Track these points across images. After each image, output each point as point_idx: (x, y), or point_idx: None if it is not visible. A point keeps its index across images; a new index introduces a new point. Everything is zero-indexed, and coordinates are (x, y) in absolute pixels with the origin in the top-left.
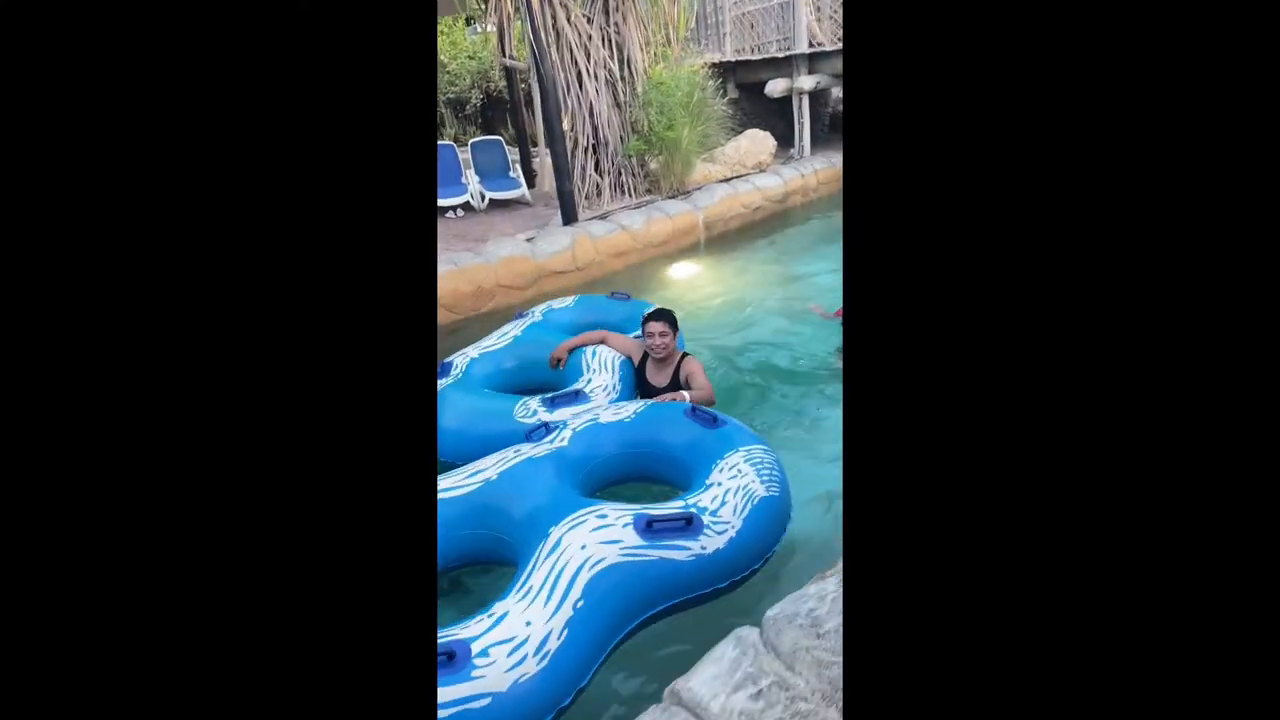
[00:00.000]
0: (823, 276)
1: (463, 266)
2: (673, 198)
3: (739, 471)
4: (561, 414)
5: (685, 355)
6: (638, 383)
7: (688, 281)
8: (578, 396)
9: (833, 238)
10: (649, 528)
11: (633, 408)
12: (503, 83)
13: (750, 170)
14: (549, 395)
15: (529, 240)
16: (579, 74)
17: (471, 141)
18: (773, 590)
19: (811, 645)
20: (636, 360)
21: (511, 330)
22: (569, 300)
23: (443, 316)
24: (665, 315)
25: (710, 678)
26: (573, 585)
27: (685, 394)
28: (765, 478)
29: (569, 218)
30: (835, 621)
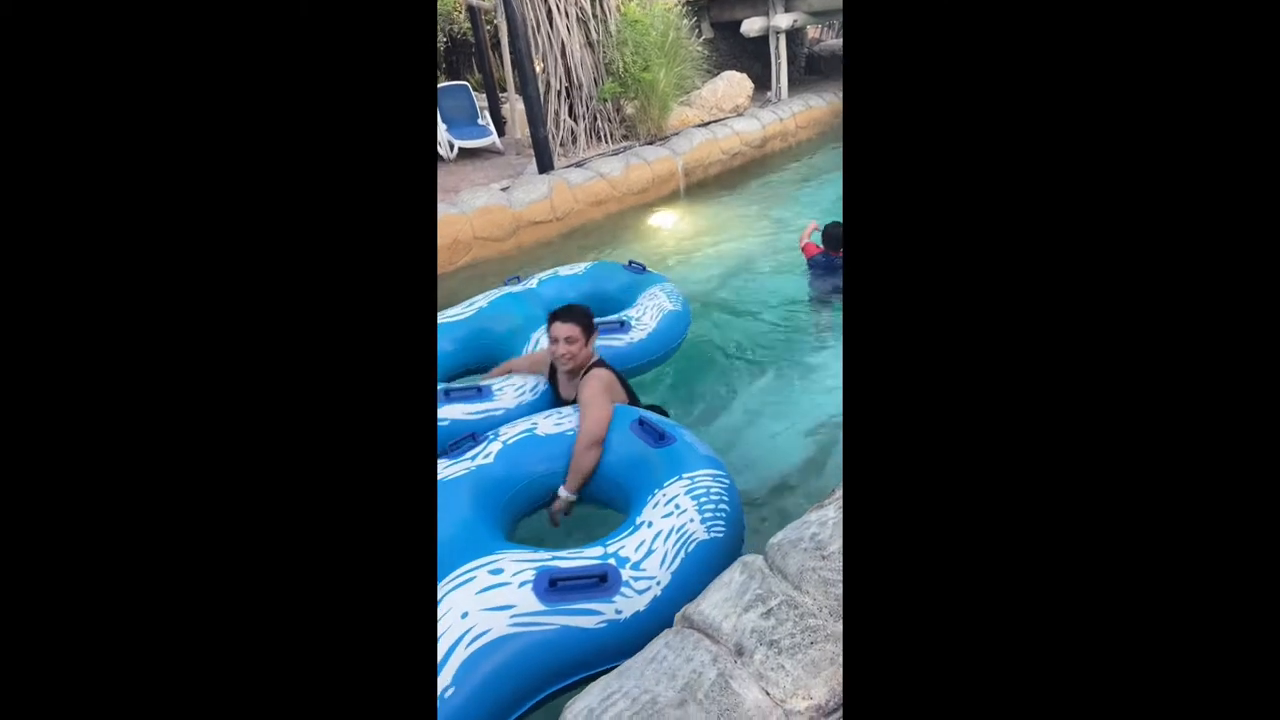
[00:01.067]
0: (804, 220)
1: (438, 218)
2: (650, 143)
3: (677, 507)
4: (483, 408)
5: (594, 366)
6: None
7: (669, 230)
8: (480, 393)
9: (814, 181)
10: (552, 587)
11: (576, 417)
12: (467, 24)
13: (728, 114)
14: (443, 386)
15: (504, 190)
16: (549, 11)
17: (438, 88)
18: (774, 523)
19: (817, 566)
20: (547, 372)
21: (480, 301)
22: (580, 267)
23: None
24: (574, 315)
25: (720, 600)
26: (442, 668)
27: (561, 494)
28: (709, 514)
29: (545, 165)
30: (838, 544)
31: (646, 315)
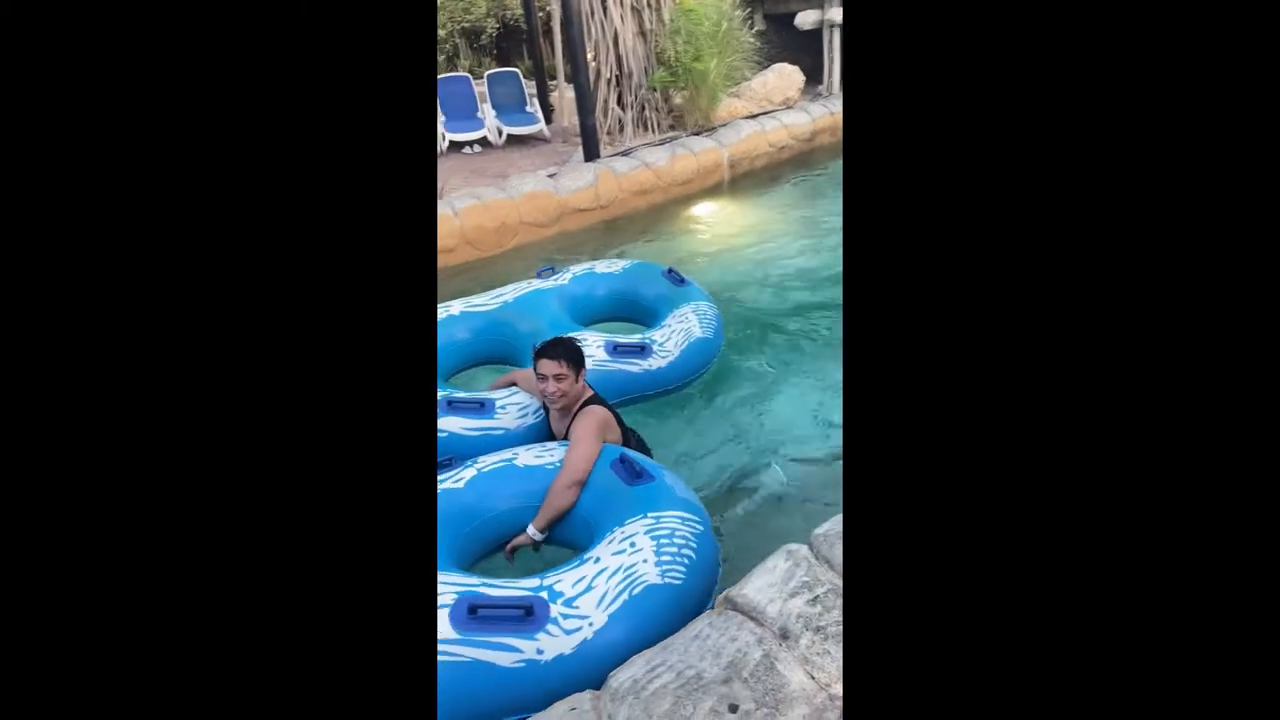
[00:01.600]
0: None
1: (486, 201)
2: (697, 134)
3: (632, 545)
4: (461, 425)
5: (588, 403)
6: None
7: (712, 221)
8: (483, 408)
9: None
10: (471, 615)
11: (561, 453)
12: (520, 11)
13: (777, 106)
14: (445, 394)
15: (551, 176)
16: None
17: (488, 74)
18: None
19: None
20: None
21: (512, 291)
22: (618, 265)
23: (466, 253)
24: (560, 349)
25: (765, 585)
26: None
27: (528, 531)
28: (668, 558)
29: (591, 154)
30: None
31: (671, 340)
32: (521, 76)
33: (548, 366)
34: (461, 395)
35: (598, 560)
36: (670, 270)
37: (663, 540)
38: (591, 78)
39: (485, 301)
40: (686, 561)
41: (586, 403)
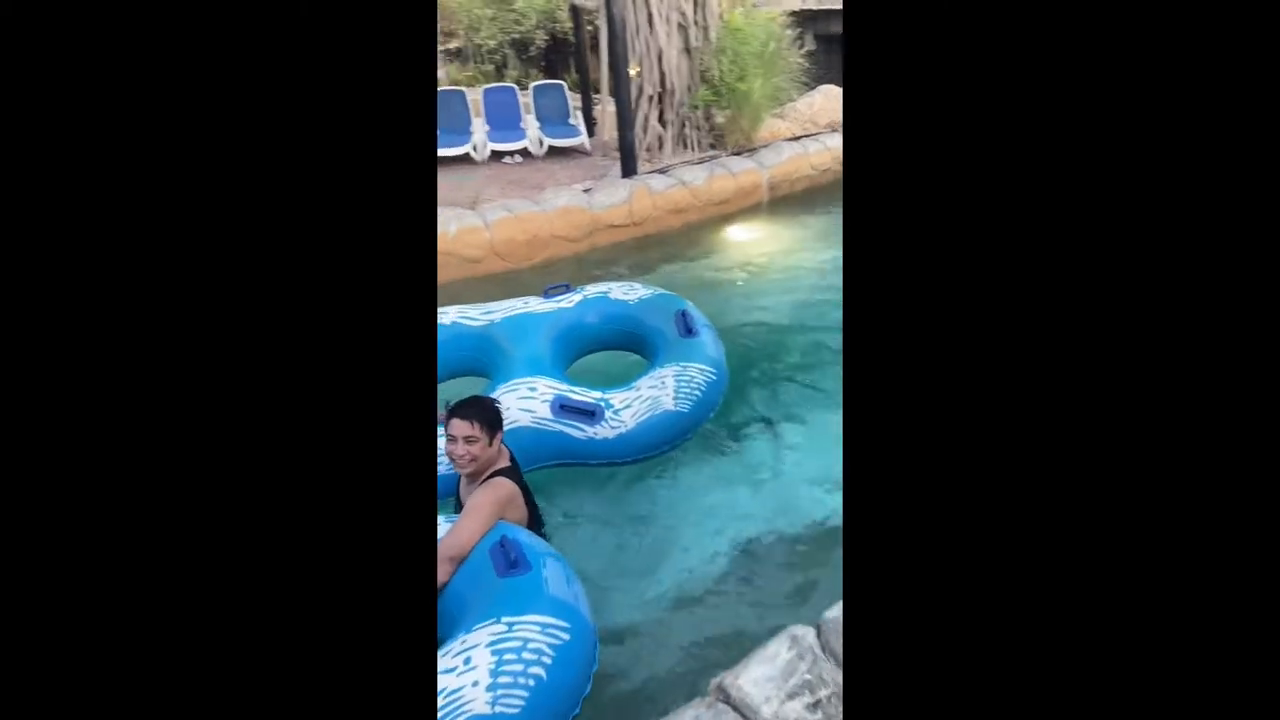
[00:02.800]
0: None
1: (518, 214)
2: (737, 154)
3: (466, 663)
4: None
5: (499, 473)
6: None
7: (746, 244)
8: None
9: None
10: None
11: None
12: (570, 23)
13: (822, 129)
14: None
15: (586, 191)
16: (649, 16)
17: (533, 85)
18: (827, 583)
19: None
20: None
21: (505, 310)
22: (636, 293)
23: (495, 264)
24: (474, 410)
25: (762, 678)
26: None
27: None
28: (506, 680)
29: (628, 169)
30: None
31: (632, 409)
32: (567, 89)
33: (458, 427)
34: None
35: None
36: (684, 313)
37: (507, 657)
38: (634, 93)
39: (476, 316)
40: (529, 686)
41: (498, 472)
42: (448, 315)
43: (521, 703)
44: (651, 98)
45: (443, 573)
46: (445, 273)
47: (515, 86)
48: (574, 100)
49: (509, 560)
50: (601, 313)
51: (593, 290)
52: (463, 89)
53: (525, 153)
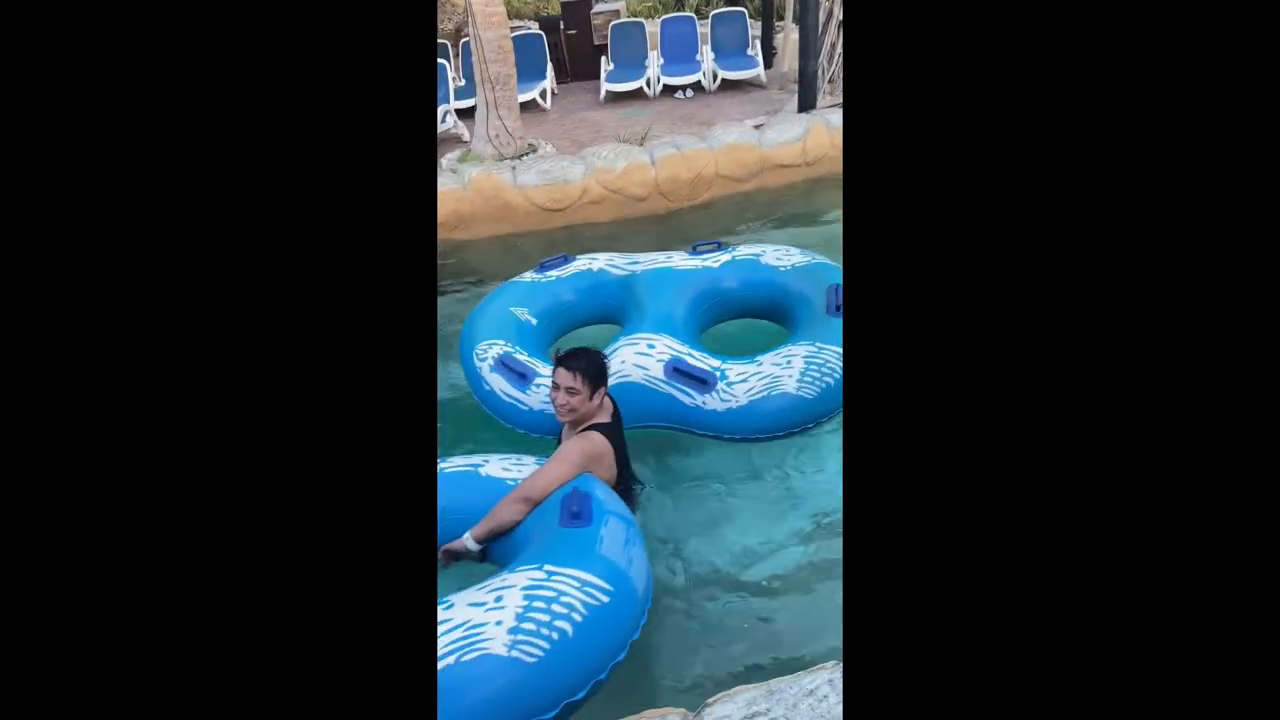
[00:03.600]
0: None
1: (685, 151)
2: None
3: (496, 600)
4: None
5: (596, 427)
6: None
7: None
8: (523, 378)
9: None
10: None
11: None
12: None
13: None
14: (502, 354)
15: (757, 127)
16: None
17: (713, 14)
18: None
19: None
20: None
21: (649, 262)
22: (792, 258)
23: (657, 203)
24: (579, 361)
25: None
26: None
27: (465, 539)
28: (529, 627)
29: (806, 103)
30: None
31: (749, 384)
32: (748, 17)
33: (562, 376)
34: (518, 359)
35: (450, 606)
36: (838, 288)
37: (537, 604)
38: (821, 18)
39: (621, 265)
40: (551, 638)
41: (594, 426)
42: (597, 262)
43: (540, 653)
44: (840, 23)
45: (517, 511)
46: (610, 210)
47: (694, 16)
48: (755, 29)
49: (572, 511)
50: (748, 277)
51: (744, 252)
52: (642, 20)
53: (698, 86)
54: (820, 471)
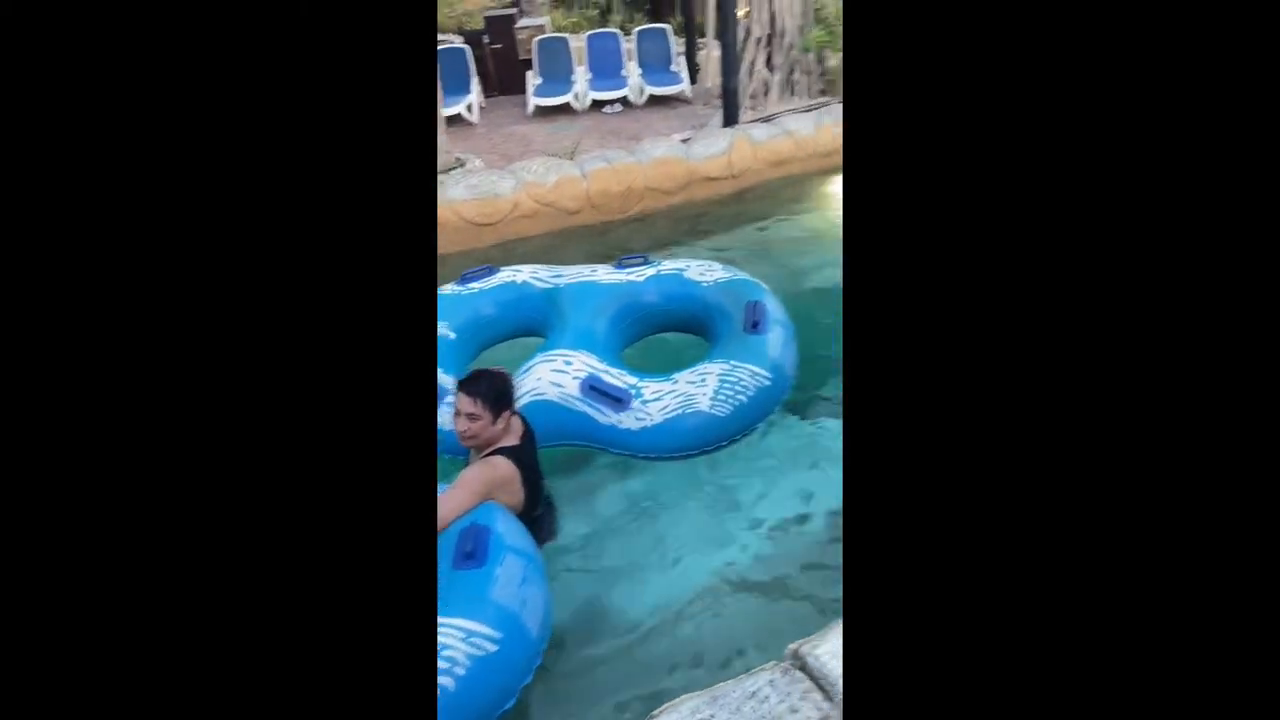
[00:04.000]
0: None
1: (614, 165)
2: None
3: None
4: None
5: (499, 452)
6: None
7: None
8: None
9: None
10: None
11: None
12: None
13: None
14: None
15: (684, 141)
16: None
17: (637, 29)
18: None
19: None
20: None
21: (573, 275)
22: (714, 273)
23: (589, 216)
24: (479, 386)
25: (840, 649)
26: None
27: None
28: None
29: (730, 118)
30: None
31: (663, 402)
32: (671, 33)
33: (462, 402)
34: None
35: None
36: (755, 305)
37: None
38: (741, 36)
39: (546, 278)
40: (445, 688)
41: (500, 450)
42: (521, 274)
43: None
44: (760, 40)
45: None
46: (542, 224)
47: (619, 32)
48: (678, 45)
49: (465, 551)
50: (670, 292)
51: (669, 266)
52: (566, 36)
53: (625, 101)
54: (739, 484)
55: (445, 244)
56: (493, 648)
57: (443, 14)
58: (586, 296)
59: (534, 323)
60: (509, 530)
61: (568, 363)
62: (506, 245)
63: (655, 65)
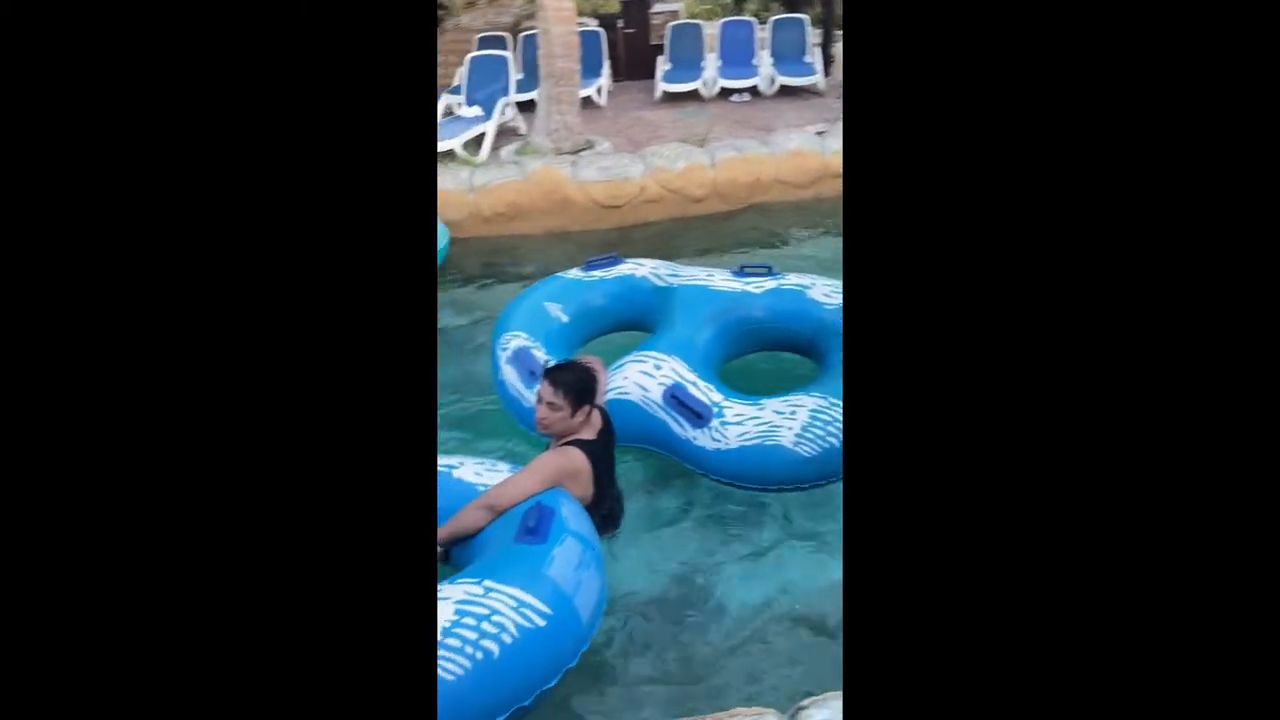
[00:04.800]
0: None
1: (745, 154)
2: None
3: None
4: None
5: (576, 443)
6: None
7: None
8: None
9: None
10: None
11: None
12: None
13: None
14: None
15: (820, 134)
16: None
17: (773, 19)
18: None
19: None
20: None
21: (691, 276)
22: (839, 297)
23: (714, 204)
24: (563, 377)
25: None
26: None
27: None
28: (456, 644)
29: None
30: None
31: (745, 429)
32: (808, 24)
33: (545, 390)
34: (534, 354)
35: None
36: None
37: (465, 620)
38: None
39: (664, 275)
40: (474, 658)
41: (576, 442)
42: (642, 268)
43: (460, 671)
44: None
45: (480, 518)
46: (667, 209)
47: (754, 20)
48: (815, 36)
49: (528, 526)
50: (786, 310)
51: (793, 281)
52: (700, 22)
53: (754, 91)
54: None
55: (570, 222)
56: (541, 622)
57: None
58: (696, 302)
59: (644, 319)
60: (573, 515)
61: (658, 366)
62: (625, 229)
63: (789, 55)
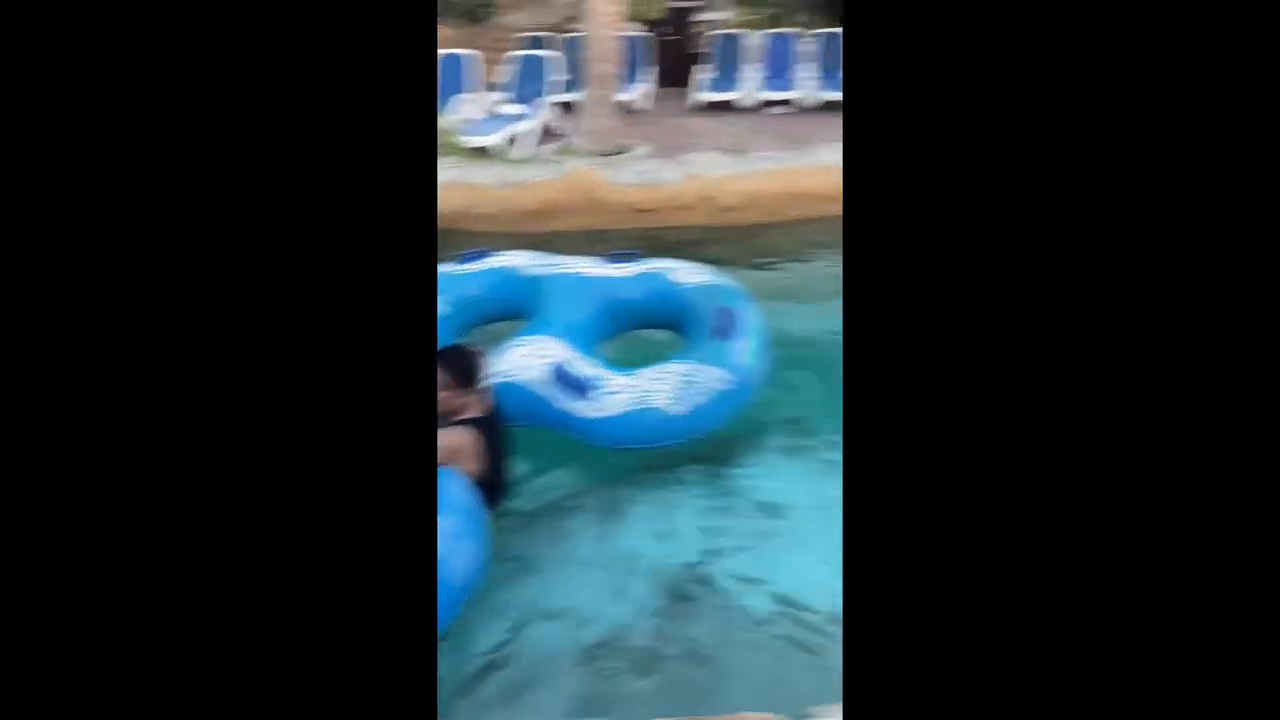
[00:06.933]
0: None
1: (783, 166)
2: None
3: None
4: None
5: (460, 423)
6: None
7: None
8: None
9: None
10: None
11: None
12: None
13: None
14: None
15: None
16: None
17: (819, 33)
18: None
19: None
20: None
21: (565, 265)
22: (698, 277)
23: (746, 215)
24: (445, 359)
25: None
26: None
27: None
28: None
29: None
30: None
31: (623, 396)
32: None
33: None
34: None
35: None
36: (724, 310)
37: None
38: None
39: (538, 265)
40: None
41: (464, 420)
42: (516, 258)
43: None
44: None
45: None
46: (698, 217)
47: (797, 33)
48: None
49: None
50: (652, 290)
51: (657, 265)
52: (744, 32)
53: (793, 103)
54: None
55: (601, 222)
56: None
57: (632, 5)
58: (573, 287)
59: (520, 308)
60: (456, 488)
61: (541, 348)
62: (651, 234)
63: (833, 69)
